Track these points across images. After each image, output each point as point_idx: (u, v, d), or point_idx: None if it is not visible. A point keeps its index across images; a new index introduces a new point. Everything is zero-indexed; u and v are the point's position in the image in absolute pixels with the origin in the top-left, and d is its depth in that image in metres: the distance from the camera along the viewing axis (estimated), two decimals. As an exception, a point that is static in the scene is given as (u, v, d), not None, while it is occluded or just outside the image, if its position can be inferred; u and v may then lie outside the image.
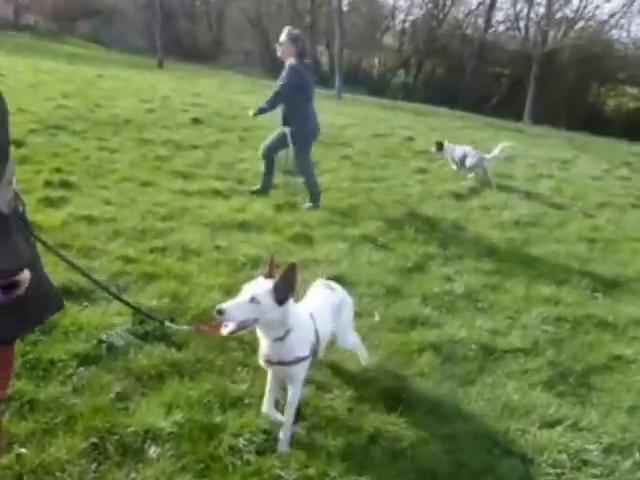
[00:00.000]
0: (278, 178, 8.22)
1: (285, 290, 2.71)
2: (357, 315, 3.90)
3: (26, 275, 1.75)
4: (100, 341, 3.58)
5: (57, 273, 3.79)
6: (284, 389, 3.10)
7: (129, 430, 2.88)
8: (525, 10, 33.54)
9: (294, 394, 2.99)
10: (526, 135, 18.45)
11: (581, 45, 30.61)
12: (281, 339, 2.83)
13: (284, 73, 6.86)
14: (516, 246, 6.59)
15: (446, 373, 3.83)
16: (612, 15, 32.16)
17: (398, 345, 4.07)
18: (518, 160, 12.13)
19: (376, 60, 38.79)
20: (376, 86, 33.52)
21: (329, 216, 6.79)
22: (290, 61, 6.82)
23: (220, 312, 2.58)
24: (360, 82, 32.68)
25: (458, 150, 9.80)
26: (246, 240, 5.72)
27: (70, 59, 20.63)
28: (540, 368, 4.03)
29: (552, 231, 7.37)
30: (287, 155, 7.45)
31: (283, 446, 2.94)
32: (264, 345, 2.91)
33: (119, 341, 3.61)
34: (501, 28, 37.50)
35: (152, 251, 5.15)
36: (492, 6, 36.06)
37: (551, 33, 31.16)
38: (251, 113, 7.17)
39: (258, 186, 7.41)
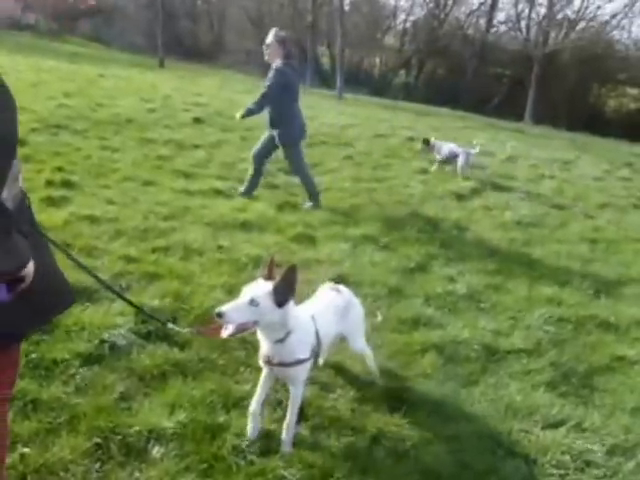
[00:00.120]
0: (279, 178, 8.24)
1: (285, 292, 2.69)
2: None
3: (28, 272, 1.75)
4: (103, 341, 3.58)
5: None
6: (286, 390, 3.09)
7: (132, 430, 2.88)
8: (526, 10, 33.65)
9: (296, 395, 2.98)
10: (527, 135, 18.47)
11: (582, 46, 30.62)
12: (281, 341, 2.82)
13: (270, 74, 6.87)
14: (518, 246, 6.60)
15: (449, 374, 3.83)
16: (613, 16, 32.25)
17: (401, 345, 4.07)
18: (520, 161, 12.14)
19: (377, 60, 38.80)
20: (377, 86, 33.52)
21: (331, 216, 6.79)
22: (276, 63, 6.83)
23: (219, 315, 2.57)
24: (361, 82, 32.68)
25: (445, 147, 9.92)
26: (248, 240, 5.72)
27: (71, 58, 20.61)
28: (543, 369, 4.03)
29: (554, 232, 7.37)
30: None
31: (286, 446, 2.94)
32: (264, 346, 2.90)
33: (122, 341, 3.61)
34: (502, 28, 37.59)
35: (154, 251, 5.14)
36: (493, 6, 36.10)
37: (552, 34, 31.21)
38: (238, 116, 7.17)
39: (242, 189, 7.34)
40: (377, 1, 38.66)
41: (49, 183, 6.53)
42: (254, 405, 2.99)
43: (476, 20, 37.82)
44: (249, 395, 3.20)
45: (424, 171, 9.87)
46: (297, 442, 2.98)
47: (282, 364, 2.90)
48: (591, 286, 5.59)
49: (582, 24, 32.22)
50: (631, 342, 4.61)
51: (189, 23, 37.59)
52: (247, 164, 8.62)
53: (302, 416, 3.10)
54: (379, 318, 4.40)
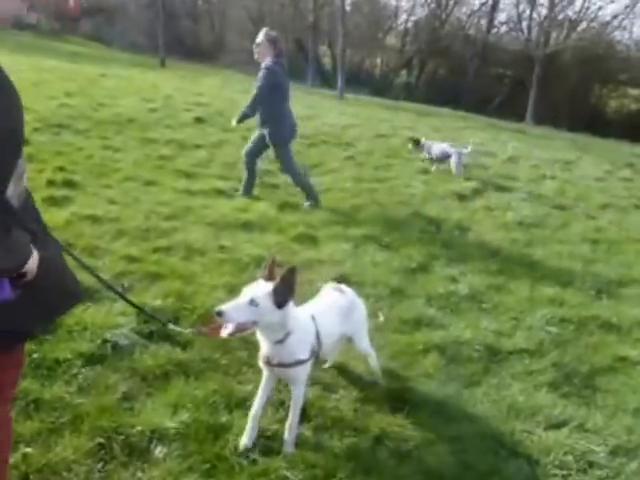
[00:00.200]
0: (280, 178, 8.24)
1: (284, 293, 2.69)
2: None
3: (30, 268, 1.75)
4: (105, 341, 3.58)
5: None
6: (288, 390, 3.09)
7: (135, 430, 2.88)
8: (528, 11, 33.67)
9: (297, 396, 2.98)
10: (528, 136, 18.46)
11: (583, 46, 30.62)
12: (281, 341, 2.81)
13: (261, 74, 6.86)
14: (520, 247, 6.59)
15: (451, 374, 3.83)
16: (615, 16, 32.27)
17: (403, 346, 4.07)
18: (521, 161, 12.14)
19: (378, 60, 38.79)
20: (378, 86, 33.52)
21: (332, 216, 6.79)
22: (266, 62, 6.83)
23: (219, 314, 2.57)
24: (362, 82, 32.67)
25: (436, 147, 9.97)
26: (250, 240, 5.72)
27: (72, 58, 20.62)
28: (545, 369, 4.02)
29: (555, 232, 7.37)
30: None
31: (289, 447, 2.94)
32: (264, 347, 2.90)
33: (124, 341, 3.61)
34: (504, 29, 37.58)
35: (156, 250, 5.15)
36: (495, 7, 36.10)
37: (553, 34, 31.23)
38: (234, 122, 7.17)
39: (241, 191, 7.33)
40: (378, 1, 38.66)
41: (51, 183, 6.53)
42: (255, 407, 2.98)
43: (477, 20, 37.86)
44: (251, 395, 3.20)
45: (425, 171, 9.86)
46: (300, 442, 2.98)
47: (282, 365, 2.89)
48: (593, 287, 5.59)
49: (583, 25, 32.25)
50: (633, 343, 4.61)
51: (190, 23, 37.57)
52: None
53: (304, 416, 3.10)
54: (381, 318, 4.40)
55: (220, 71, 26.97)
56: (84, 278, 3.97)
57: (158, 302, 4.13)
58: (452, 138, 10.50)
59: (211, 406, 3.13)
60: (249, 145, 7.30)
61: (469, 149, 9.92)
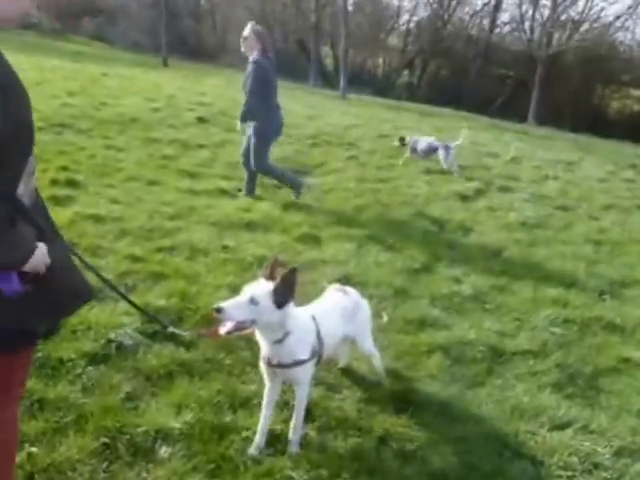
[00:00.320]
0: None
1: (285, 293, 2.68)
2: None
3: (36, 261, 1.75)
4: (109, 340, 3.59)
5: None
6: (292, 391, 3.08)
7: (139, 430, 2.88)
8: (530, 11, 33.54)
9: (301, 396, 2.98)
10: (531, 137, 18.45)
11: (586, 47, 30.58)
12: (280, 341, 2.80)
13: (250, 68, 6.84)
14: (523, 248, 6.58)
15: (455, 375, 3.83)
16: (617, 17, 32.16)
17: (407, 346, 4.07)
18: (524, 162, 12.13)
19: (381, 60, 38.74)
20: (380, 86, 33.48)
21: (336, 216, 6.79)
22: (254, 56, 6.83)
23: (218, 310, 2.57)
24: (365, 82, 32.64)
25: (422, 142, 10.11)
26: (253, 240, 5.72)
27: (74, 57, 20.63)
28: (549, 370, 4.02)
29: (558, 233, 7.36)
30: None
31: (293, 447, 2.94)
32: (264, 347, 2.89)
33: (128, 340, 3.62)
34: (506, 29, 37.50)
35: (160, 250, 5.15)
36: (497, 7, 36.03)
37: (556, 35, 31.18)
38: (239, 127, 7.15)
39: (244, 192, 7.32)
40: (380, 1, 38.61)
41: (54, 182, 6.53)
42: (264, 413, 2.97)
43: (480, 21, 37.78)
44: (255, 395, 3.20)
45: (429, 172, 9.86)
46: (304, 443, 2.99)
47: (281, 365, 2.88)
48: (596, 287, 5.59)
49: (586, 25, 32.18)
50: (637, 344, 4.60)
51: (192, 22, 37.55)
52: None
53: (309, 417, 3.10)
54: (385, 319, 4.39)
55: (223, 71, 26.98)
56: (88, 278, 4.01)
57: (162, 302, 4.13)
58: (452, 138, 10.48)
59: (215, 406, 3.13)
60: (244, 146, 7.31)
61: (458, 142, 10.01)
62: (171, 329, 3.09)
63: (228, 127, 11.23)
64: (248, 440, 2.93)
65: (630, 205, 9.44)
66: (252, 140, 7.07)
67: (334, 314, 3.26)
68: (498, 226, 7.28)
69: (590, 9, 31.58)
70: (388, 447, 3.06)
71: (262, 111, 6.96)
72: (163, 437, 2.87)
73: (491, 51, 35.37)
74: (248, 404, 3.19)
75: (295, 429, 2.96)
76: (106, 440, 2.79)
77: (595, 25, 32.35)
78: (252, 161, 7.15)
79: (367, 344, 3.51)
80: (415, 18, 38.60)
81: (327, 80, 32.23)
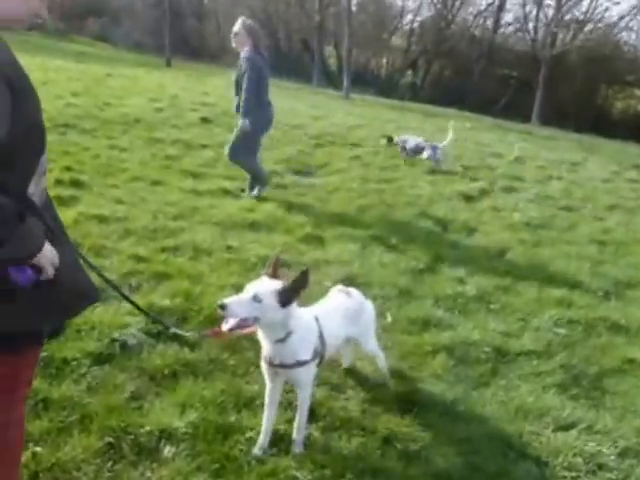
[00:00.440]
0: (287, 178, 8.25)
1: (292, 293, 2.68)
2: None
3: (44, 256, 1.76)
4: (113, 340, 3.59)
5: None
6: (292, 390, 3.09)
7: (144, 430, 2.88)
8: (534, 12, 33.47)
9: (304, 397, 2.97)
10: (535, 137, 18.42)
11: (590, 47, 30.50)
12: (282, 341, 2.79)
13: (245, 65, 6.82)
14: (527, 248, 6.57)
15: (459, 375, 3.82)
16: (621, 17, 32.08)
17: (411, 347, 4.06)
18: (528, 162, 12.11)
19: (384, 60, 38.71)
20: (384, 87, 33.46)
21: (339, 217, 6.78)
22: (246, 52, 6.83)
23: (222, 307, 2.57)
24: (368, 82, 32.62)
25: (411, 141, 10.31)
26: (257, 240, 5.72)
27: (78, 58, 20.66)
28: (553, 371, 4.01)
29: (562, 233, 7.34)
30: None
31: (297, 447, 2.94)
32: (266, 347, 2.88)
33: (132, 340, 3.62)
34: (510, 29, 37.41)
35: (163, 250, 5.16)
36: (501, 7, 35.93)
37: (560, 35, 31.11)
38: (244, 128, 7.09)
39: (247, 192, 7.31)
40: (384, 1, 38.56)
41: (58, 182, 6.54)
42: (266, 414, 2.97)
43: (483, 21, 37.68)
44: (259, 395, 3.20)
45: (432, 172, 9.85)
46: (308, 443, 2.98)
47: (283, 365, 2.87)
48: (601, 288, 5.57)
49: (590, 25, 32.09)
50: (642, 345, 4.59)
51: (196, 22, 37.56)
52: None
53: (313, 417, 3.10)
54: (389, 319, 4.39)
55: (226, 71, 26.88)
56: (92, 278, 4.02)
57: (166, 302, 4.13)
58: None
59: (219, 406, 3.13)
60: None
61: (445, 143, 10.22)
62: (173, 330, 3.09)
63: (231, 127, 11.19)
64: (252, 440, 2.93)
65: (634, 205, 9.42)
66: (238, 132, 7.06)
67: (337, 315, 3.25)
68: (502, 226, 7.27)
69: (594, 9, 31.53)
70: (392, 447, 3.06)
71: (254, 107, 6.93)
72: (167, 437, 2.87)
73: (495, 51, 35.29)
74: (252, 404, 3.19)
75: (299, 429, 2.96)
76: (110, 440, 2.80)
77: (599, 25, 32.27)
78: (228, 148, 7.20)
79: (371, 345, 3.50)
80: (419, 18, 38.55)
81: (330, 80, 32.20)
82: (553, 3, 30.68)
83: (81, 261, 2.18)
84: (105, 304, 3.92)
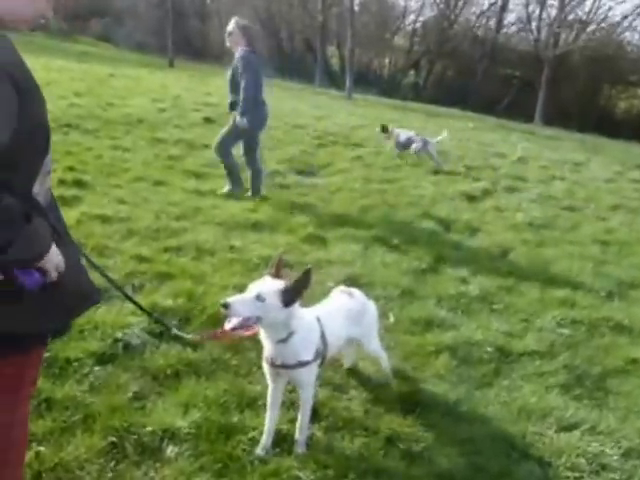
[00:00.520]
0: (289, 178, 8.25)
1: (294, 293, 2.68)
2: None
3: (51, 259, 1.76)
4: (116, 340, 3.59)
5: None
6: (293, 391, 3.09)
7: (147, 429, 2.88)
8: (537, 12, 33.51)
9: (306, 398, 2.97)
10: (538, 137, 18.41)
11: (593, 47, 30.50)
12: (284, 341, 2.79)
13: (240, 64, 6.80)
14: (530, 248, 6.56)
15: (462, 375, 3.81)
16: (624, 17, 32.12)
17: (414, 347, 4.06)
18: (531, 162, 12.10)
19: (387, 61, 38.73)
20: (386, 87, 33.48)
21: (342, 217, 6.78)
22: (241, 52, 6.81)
23: (225, 306, 2.56)
24: (370, 82, 32.65)
25: (403, 135, 10.50)
26: (259, 240, 5.72)
27: (81, 58, 20.71)
28: (556, 371, 4.00)
29: (565, 233, 7.33)
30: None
31: (300, 447, 2.94)
32: (267, 347, 2.88)
33: (135, 340, 3.62)
34: (513, 29, 37.43)
35: (166, 250, 5.16)
36: (504, 7, 35.97)
37: (563, 35, 31.12)
38: (245, 126, 7.05)
39: (249, 192, 7.32)
40: (387, 1, 38.57)
41: (61, 182, 6.54)
42: (269, 415, 2.96)
43: (486, 21, 37.75)
44: (262, 395, 3.19)
45: (435, 172, 9.85)
46: (311, 443, 2.98)
47: (285, 366, 2.86)
48: (604, 288, 5.56)
49: (593, 25, 32.15)
50: (645, 345, 4.58)
51: (198, 23, 37.61)
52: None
53: (315, 417, 3.10)
54: (391, 319, 4.39)
55: (228, 71, 26.99)
56: (95, 278, 4.01)
57: (169, 302, 4.13)
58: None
59: (222, 406, 3.13)
60: (243, 148, 7.30)
61: (439, 138, 10.37)
62: (174, 331, 3.09)
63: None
64: (255, 440, 2.93)
65: (637, 205, 9.40)
66: (230, 128, 7.07)
67: (339, 316, 3.25)
68: (505, 226, 7.26)
69: (597, 9, 31.56)
70: (395, 447, 3.05)
71: (252, 106, 6.93)
72: (170, 437, 2.87)
73: (497, 51, 35.31)
74: (255, 404, 3.19)
75: (301, 429, 2.95)
76: (113, 439, 2.79)
77: (602, 25, 32.32)
78: (216, 143, 7.23)
79: (373, 345, 3.50)
80: (421, 18, 38.63)
81: (333, 80, 32.24)
82: (556, 3, 30.75)
83: (84, 261, 2.18)
84: (108, 304, 3.92)
